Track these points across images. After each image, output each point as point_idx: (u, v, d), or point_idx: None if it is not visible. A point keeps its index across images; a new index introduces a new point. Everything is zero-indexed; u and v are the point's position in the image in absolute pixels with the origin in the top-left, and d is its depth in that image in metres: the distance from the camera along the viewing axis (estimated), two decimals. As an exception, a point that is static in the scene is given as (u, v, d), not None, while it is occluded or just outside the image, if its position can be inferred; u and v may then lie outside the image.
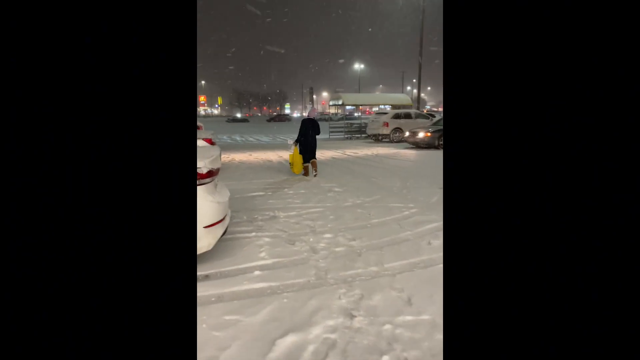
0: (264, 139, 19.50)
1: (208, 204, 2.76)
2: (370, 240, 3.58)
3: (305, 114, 8.51)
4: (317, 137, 7.06)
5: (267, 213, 4.55)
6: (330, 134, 18.67)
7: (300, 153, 6.94)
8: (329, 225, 4.04)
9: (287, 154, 11.18)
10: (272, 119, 51.87)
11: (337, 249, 3.36)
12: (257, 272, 2.87)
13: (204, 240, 2.76)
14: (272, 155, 11.04)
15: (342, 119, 29.52)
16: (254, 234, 3.79)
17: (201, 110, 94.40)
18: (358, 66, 53.56)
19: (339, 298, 2.47)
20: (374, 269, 2.94)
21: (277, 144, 16.34)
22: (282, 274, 2.85)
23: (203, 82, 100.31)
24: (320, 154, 11.20)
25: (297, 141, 7.00)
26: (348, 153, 11.55)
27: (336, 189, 5.97)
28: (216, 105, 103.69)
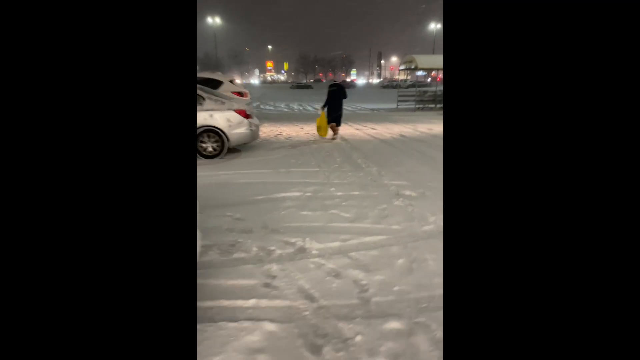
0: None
1: None
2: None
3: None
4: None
5: (293, 240, 2.80)
6: (399, 103, 16.15)
7: (328, 116, 7.39)
8: (396, 288, 2.14)
9: (350, 129, 9.26)
10: (336, 86, 49.31)
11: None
12: None
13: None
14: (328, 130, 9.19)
15: (411, 85, 26.28)
16: (251, 304, 2.00)
17: (268, 77, 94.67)
18: (434, 26, 47.99)
19: None
20: None
21: (336, 114, 14.38)
22: None
23: (270, 46, 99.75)
24: (386, 129, 9.05)
25: (324, 107, 7.45)
26: (420, 129, 9.25)
27: (408, 192, 3.99)
28: (282, 71, 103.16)
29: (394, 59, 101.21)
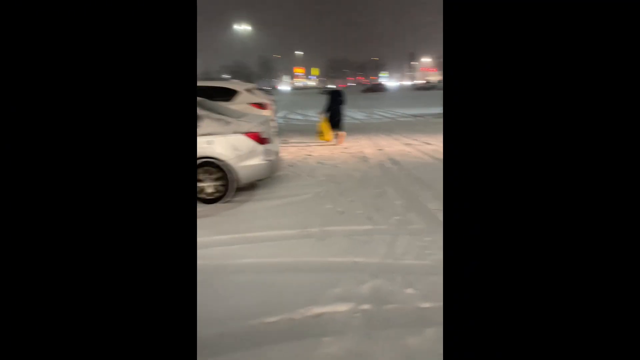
0: (358, 115, 15.68)
1: None
2: None
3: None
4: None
5: None
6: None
7: (329, 121, 7.68)
8: None
9: (398, 144, 7.30)
10: (367, 90, 47.53)
11: None
12: None
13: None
14: (370, 148, 7.27)
15: None
16: None
17: (298, 82, 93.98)
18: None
19: None
20: None
21: (375, 122, 12.40)
22: None
23: (298, 52, 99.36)
24: (438, 141, 6.98)
25: (325, 111, 7.75)
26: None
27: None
28: (312, 77, 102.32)
29: (426, 60, 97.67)
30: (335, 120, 7.73)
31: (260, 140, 3.98)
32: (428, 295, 2.09)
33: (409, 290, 2.15)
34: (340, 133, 7.73)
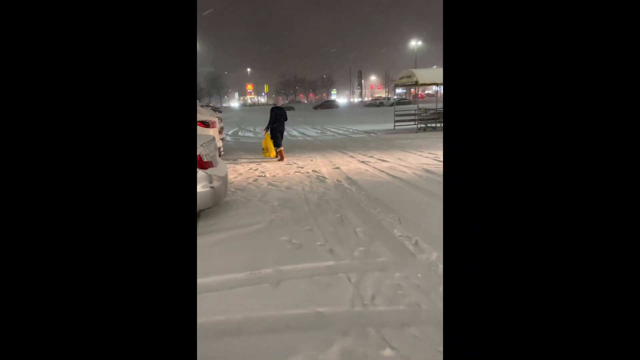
0: (311, 132, 15.45)
1: None
2: None
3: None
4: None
5: None
6: (396, 124, 14.13)
7: (271, 138, 7.67)
8: None
9: (354, 162, 7.02)
10: (318, 106, 47.98)
11: None
12: None
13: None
14: (326, 166, 6.93)
15: (395, 103, 25.10)
16: None
17: (248, 99, 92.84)
18: (415, 43, 47.37)
19: None
20: None
21: (328, 139, 12.19)
22: None
23: (249, 69, 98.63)
24: (400, 161, 6.71)
25: (267, 128, 7.71)
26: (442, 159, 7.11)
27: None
28: (263, 94, 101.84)
29: (373, 78, 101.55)
30: (276, 137, 7.72)
31: (201, 164, 3.44)
32: (409, 356, 1.69)
33: (387, 352, 1.73)
34: (279, 150, 7.74)
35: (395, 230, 3.36)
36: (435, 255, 2.78)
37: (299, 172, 6.39)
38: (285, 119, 7.90)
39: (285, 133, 8.45)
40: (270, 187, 5.29)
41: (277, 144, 7.70)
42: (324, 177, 5.83)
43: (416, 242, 3.06)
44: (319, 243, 3.12)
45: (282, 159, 7.69)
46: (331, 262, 2.74)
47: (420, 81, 12.70)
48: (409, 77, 13.21)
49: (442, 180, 5.51)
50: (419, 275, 2.50)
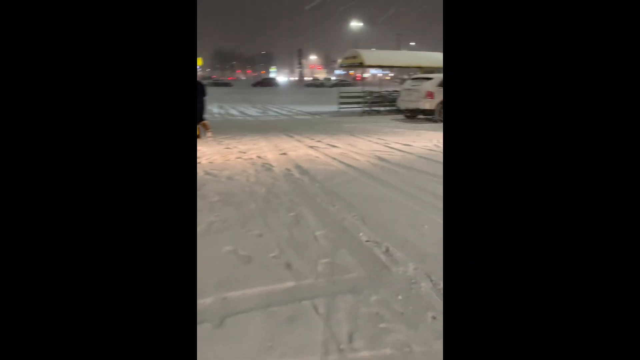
0: (251, 111, 14.42)
1: None
2: None
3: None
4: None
5: None
6: (341, 106, 13.72)
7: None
8: None
9: (302, 147, 6.40)
10: (258, 83, 46.11)
11: None
12: None
13: None
14: (272, 152, 6.24)
15: (335, 85, 24.94)
16: None
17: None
18: (355, 24, 47.20)
19: None
20: None
21: (271, 120, 11.38)
22: None
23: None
24: (351, 147, 6.22)
25: None
26: (394, 145, 6.83)
27: None
28: (198, 67, 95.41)
29: (313, 57, 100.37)
30: (198, 113, 7.30)
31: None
32: None
33: None
34: (204, 123, 7.47)
35: (360, 234, 2.89)
36: (412, 268, 2.36)
37: (241, 158, 5.65)
38: (204, 95, 7.37)
39: (222, 111, 7.82)
40: (207, 176, 4.51)
41: (198, 120, 7.31)
42: (271, 165, 5.17)
43: (387, 250, 2.62)
44: (272, 254, 2.53)
45: (207, 129, 7.55)
46: (291, 283, 2.18)
47: (367, 62, 12.38)
48: (354, 57, 12.81)
49: (397, 169, 5.19)
50: (399, 297, 2.05)
